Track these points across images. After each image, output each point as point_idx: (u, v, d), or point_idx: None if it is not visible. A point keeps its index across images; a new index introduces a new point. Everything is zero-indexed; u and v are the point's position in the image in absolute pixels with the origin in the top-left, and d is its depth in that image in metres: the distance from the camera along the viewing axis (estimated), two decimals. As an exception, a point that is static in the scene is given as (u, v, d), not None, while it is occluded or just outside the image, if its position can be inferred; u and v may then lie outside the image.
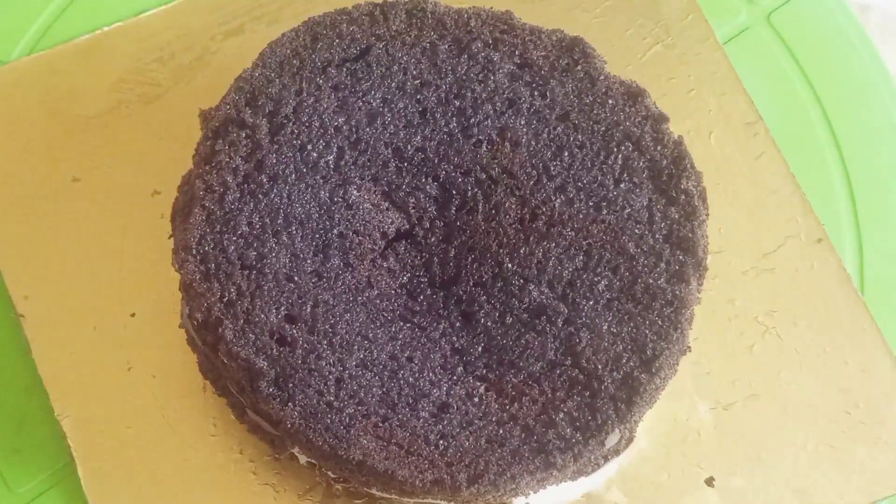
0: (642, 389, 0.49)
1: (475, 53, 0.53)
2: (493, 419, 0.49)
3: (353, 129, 0.52)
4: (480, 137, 0.52)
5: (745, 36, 0.65)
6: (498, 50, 0.53)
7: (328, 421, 0.48)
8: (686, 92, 0.62)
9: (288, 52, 0.53)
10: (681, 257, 0.51)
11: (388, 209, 0.52)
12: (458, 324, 0.51)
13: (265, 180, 0.51)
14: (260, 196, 0.50)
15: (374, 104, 0.52)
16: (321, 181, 0.51)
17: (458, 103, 0.53)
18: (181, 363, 0.57)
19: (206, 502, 0.55)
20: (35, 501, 0.57)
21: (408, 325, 0.51)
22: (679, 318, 0.50)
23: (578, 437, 0.49)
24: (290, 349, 0.49)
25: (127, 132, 0.61)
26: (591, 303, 0.50)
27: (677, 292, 0.50)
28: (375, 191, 0.52)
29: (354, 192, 0.52)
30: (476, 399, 0.49)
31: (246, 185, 0.51)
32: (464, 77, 0.53)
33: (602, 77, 0.53)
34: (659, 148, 0.52)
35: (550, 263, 0.51)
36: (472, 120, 0.53)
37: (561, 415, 0.49)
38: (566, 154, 0.52)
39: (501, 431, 0.49)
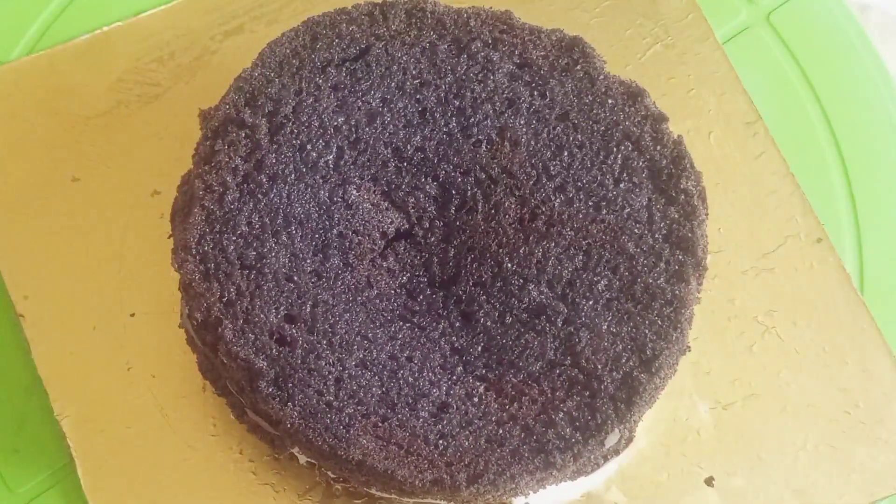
0: (642, 389, 0.49)
1: (475, 53, 0.53)
2: (493, 419, 0.49)
3: (353, 129, 0.52)
4: (480, 137, 0.52)
5: (744, 35, 0.65)
6: (497, 50, 0.53)
7: (328, 421, 0.48)
8: (686, 92, 0.62)
9: (287, 51, 0.53)
10: (680, 257, 0.51)
11: (387, 209, 0.52)
12: (457, 323, 0.51)
13: (265, 180, 0.51)
14: (259, 196, 0.50)
15: (373, 104, 0.52)
16: (321, 181, 0.51)
17: (457, 103, 0.53)
18: (181, 363, 0.57)
19: (205, 502, 0.55)
20: (35, 501, 0.57)
21: (407, 324, 0.51)
22: (679, 317, 0.50)
23: (578, 437, 0.49)
24: (290, 349, 0.49)
25: (127, 132, 0.61)
26: (590, 302, 0.50)
27: (677, 292, 0.50)
28: (375, 191, 0.52)
29: (354, 191, 0.52)
30: (476, 399, 0.49)
31: (245, 185, 0.51)
32: (463, 77, 0.53)
33: (601, 77, 0.53)
34: (658, 148, 0.52)
35: (550, 263, 0.51)
36: (472, 120, 0.52)
37: (560, 415, 0.49)
38: (566, 154, 0.52)
39: (501, 431, 0.49)
